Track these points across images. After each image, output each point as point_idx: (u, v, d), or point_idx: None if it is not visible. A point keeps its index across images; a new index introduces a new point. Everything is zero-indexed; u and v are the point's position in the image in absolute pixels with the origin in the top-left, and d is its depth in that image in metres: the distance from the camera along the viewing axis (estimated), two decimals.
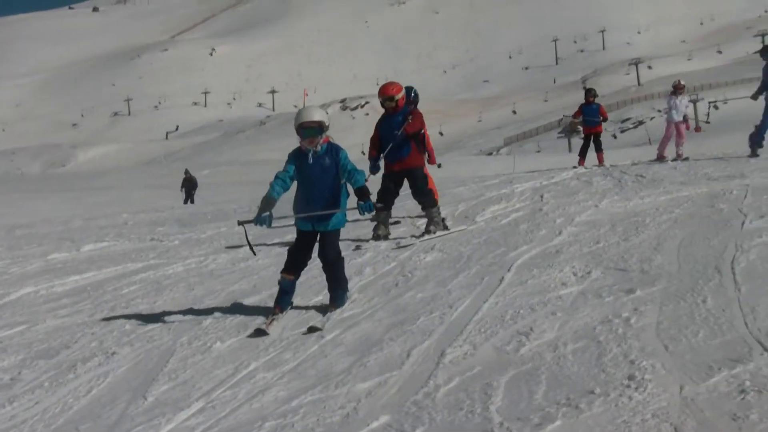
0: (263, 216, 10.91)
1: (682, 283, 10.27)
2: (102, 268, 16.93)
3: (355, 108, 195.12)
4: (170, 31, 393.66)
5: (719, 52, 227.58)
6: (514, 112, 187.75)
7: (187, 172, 51.99)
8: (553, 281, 11.25)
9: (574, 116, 30.28)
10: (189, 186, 50.40)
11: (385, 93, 15.55)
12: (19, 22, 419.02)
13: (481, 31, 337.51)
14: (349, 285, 12.44)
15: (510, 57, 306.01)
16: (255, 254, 12.75)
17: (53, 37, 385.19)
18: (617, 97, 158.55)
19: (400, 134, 15.31)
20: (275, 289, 11.94)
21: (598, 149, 28.26)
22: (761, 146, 23.32)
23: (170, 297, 13.47)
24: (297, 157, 11.10)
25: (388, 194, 15.59)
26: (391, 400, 7.79)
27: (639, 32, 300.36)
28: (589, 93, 28.93)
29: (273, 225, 11.23)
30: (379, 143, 15.74)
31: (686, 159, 25.93)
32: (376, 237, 15.62)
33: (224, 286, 13.78)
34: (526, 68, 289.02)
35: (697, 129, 29.31)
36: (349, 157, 11.21)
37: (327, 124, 11.05)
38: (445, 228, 15.73)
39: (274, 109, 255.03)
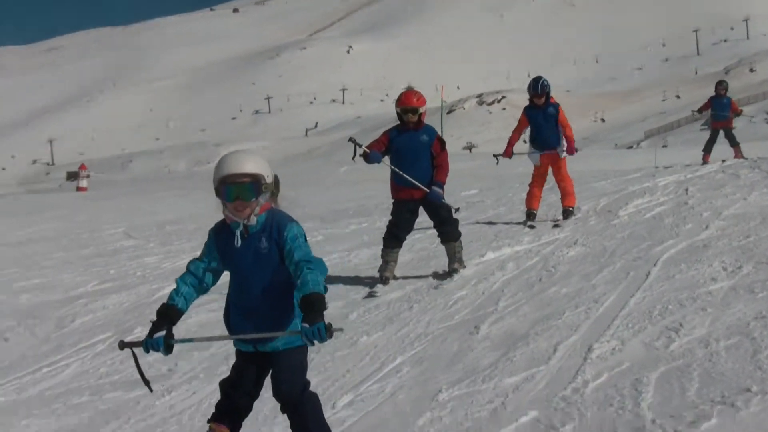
0: (156, 338, 6.61)
1: None
2: None
3: (492, 103, 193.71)
4: (308, 30, 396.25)
5: None
6: (664, 100, 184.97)
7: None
8: (702, 276, 11.03)
9: (700, 110, 29.25)
10: None
11: (408, 103, 12.47)
12: (162, 26, 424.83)
13: (619, 22, 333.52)
14: (493, 279, 12.43)
15: (648, 48, 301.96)
16: (151, 390, 7.36)
17: (195, 39, 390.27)
18: (764, 87, 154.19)
19: (423, 152, 12.56)
20: (420, 283, 12.12)
21: (733, 143, 27.20)
22: None
23: None
24: (219, 235, 6.88)
25: (402, 228, 12.78)
26: (539, 395, 7.76)
27: None
28: (720, 86, 27.88)
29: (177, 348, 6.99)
30: (387, 147, 12.85)
31: None
32: (383, 279, 12.64)
33: (367, 281, 13.68)
34: (666, 60, 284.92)
35: None
36: (302, 238, 6.80)
37: (269, 179, 6.68)
38: (462, 266, 12.99)
39: None
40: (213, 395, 8.74)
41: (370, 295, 11.95)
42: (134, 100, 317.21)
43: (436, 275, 13.16)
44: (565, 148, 16.70)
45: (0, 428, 8.70)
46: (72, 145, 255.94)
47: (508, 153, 17.41)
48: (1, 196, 75.43)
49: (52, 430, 8.62)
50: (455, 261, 12.81)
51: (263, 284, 6.78)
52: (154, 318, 6.80)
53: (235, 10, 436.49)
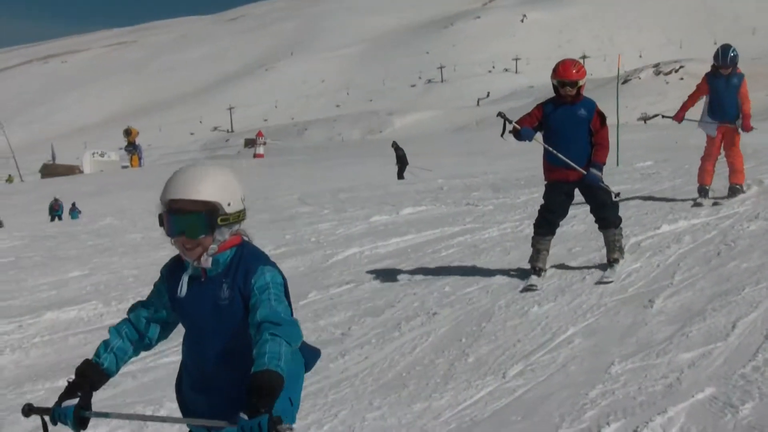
0: (64, 407, 4.73)
1: None
2: (421, 231, 17.12)
3: (669, 73, 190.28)
4: None
5: None
6: None
7: (396, 146, 46.77)
8: None
9: None
10: (401, 158, 45.49)
11: (566, 75, 10.62)
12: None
13: None
14: (669, 252, 12.20)
15: None
16: None
17: (371, 8, 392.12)
18: None
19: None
20: (592, 255, 12.00)
21: None
22: None
23: (487, 260, 13.48)
24: (172, 276, 4.92)
25: (556, 214, 11.11)
26: (717, 372, 7.58)
27: None
28: None
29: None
30: (540, 122, 11.05)
31: None
32: (537, 270, 11.11)
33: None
34: None
35: None
36: (276, 289, 4.74)
37: (230, 207, 4.68)
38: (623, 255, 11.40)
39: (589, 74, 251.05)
40: (385, 360, 8.85)
41: (527, 289, 10.61)
42: (312, 68, 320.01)
43: (595, 266, 11.76)
44: (741, 124, 15.69)
45: None
46: (251, 113, 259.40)
47: (679, 117, 16.42)
48: (183, 162, 76.88)
49: None
50: (615, 250, 11.09)
51: (222, 346, 4.88)
52: (71, 377, 4.88)
53: None
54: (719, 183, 16.25)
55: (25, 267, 18.65)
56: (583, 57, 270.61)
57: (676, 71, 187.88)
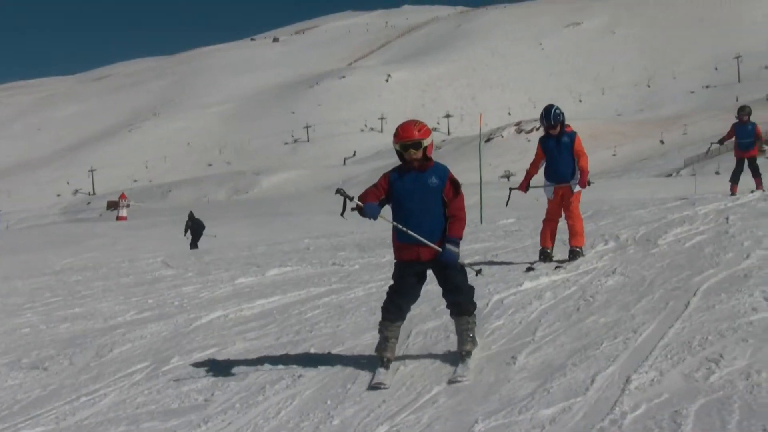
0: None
1: None
2: (287, 293, 17.08)
3: (530, 131, 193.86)
4: (347, 59, 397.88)
5: None
6: (685, 134, 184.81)
7: (191, 215, 45.60)
8: (742, 306, 10.87)
9: (722, 141, 27.67)
10: (195, 229, 44.20)
11: (406, 136, 9.30)
12: (204, 55, 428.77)
13: (661, 49, 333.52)
14: (530, 309, 12.38)
15: (690, 76, 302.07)
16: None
17: (236, 68, 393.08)
18: None
19: (432, 197, 9.38)
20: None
21: (755, 174, 25.91)
22: None
23: (353, 321, 13.51)
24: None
25: (407, 297, 9.72)
26: (577, 426, 7.72)
27: None
28: (742, 111, 26.34)
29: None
30: (387, 193, 9.62)
31: None
32: (384, 361, 9.63)
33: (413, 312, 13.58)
34: (707, 87, 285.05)
35: None
36: None
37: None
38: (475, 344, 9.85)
39: (449, 134, 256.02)
40: (249, 425, 8.82)
41: (374, 387, 9.06)
42: (179, 128, 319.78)
43: (446, 358, 10.27)
44: (578, 181, 15.88)
45: None
46: (115, 174, 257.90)
47: (523, 187, 16.55)
48: (43, 226, 76.11)
49: None
50: (467, 342, 9.54)
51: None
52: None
53: (275, 40, 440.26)
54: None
55: None
56: (447, 116, 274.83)
57: (537, 129, 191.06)
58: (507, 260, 17.15)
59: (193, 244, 41.73)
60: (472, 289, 9.40)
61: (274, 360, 11.40)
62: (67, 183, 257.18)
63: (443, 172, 9.34)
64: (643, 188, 34.42)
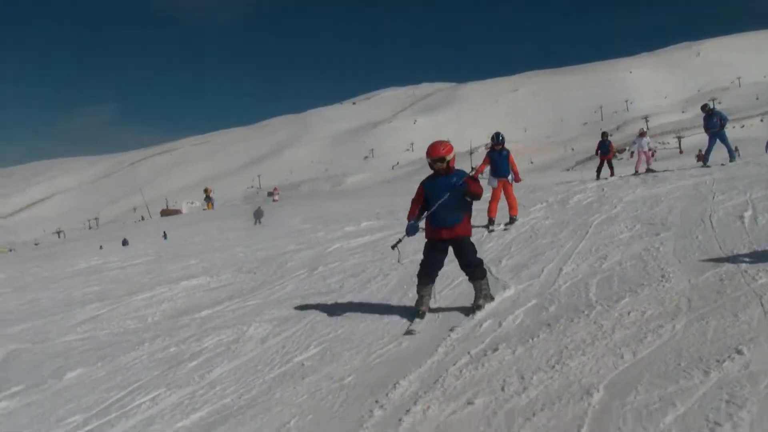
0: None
1: (685, 229, 10.13)
2: (373, 233, 16.92)
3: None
4: (393, 112, 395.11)
5: (683, 111, 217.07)
6: (573, 149, 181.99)
7: (259, 208, 40.84)
8: (615, 231, 11.00)
9: (596, 151, 26.32)
10: (258, 213, 39.22)
11: (435, 153, 7.91)
12: (318, 111, 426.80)
13: (558, 102, 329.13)
14: (506, 238, 12.36)
15: (575, 116, 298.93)
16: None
17: (334, 118, 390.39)
18: (632, 138, 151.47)
19: (461, 188, 7.68)
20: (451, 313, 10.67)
21: (611, 168, 25.54)
22: (707, 161, 22.22)
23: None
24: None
25: (433, 266, 7.99)
26: (537, 292, 7.89)
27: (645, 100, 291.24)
28: (604, 134, 26.52)
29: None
30: (423, 205, 8.06)
31: (653, 171, 23.43)
32: (420, 313, 7.81)
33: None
34: (585, 123, 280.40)
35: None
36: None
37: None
38: (491, 299, 7.95)
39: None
40: (366, 296, 8.96)
41: (407, 333, 7.26)
42: (304, 153, 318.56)
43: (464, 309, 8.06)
44: (512, 178, 14.88)
45: (256, 315, 8.98)
46: (271, 177, 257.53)
47: (479, 171, 14.53)
48: (234, 205, 76.14)
49: (283, 315, 8.72)
50: (480, 297, 7.88)
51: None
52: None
53: (354, 103, 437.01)
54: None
55: (163, 260, 18.70)
56: (447, 140, 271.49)
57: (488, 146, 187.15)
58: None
59: (257, 221, 37.35)
60: (480, 261, 7.89)
61: (374, 268, 11.37)
62: (251, 184, 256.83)
63: (462, 173, 7.84)
64: (554, 177, 33.93)
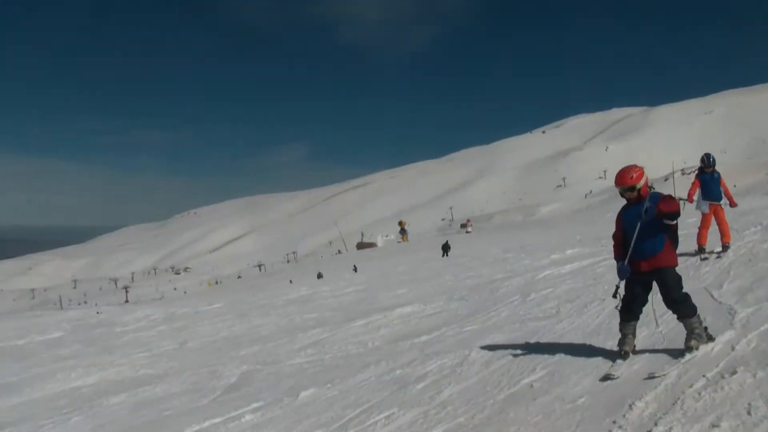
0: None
1: None
2: (581, 260, 16.41)
3: (689, 173, 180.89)
4: (583, 139, 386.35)
5: None
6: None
7: (446, 242, 38.40)
8: None
9: None
10: (446, 246, 36.63)
11: (623, 183, 7.02)
12: (509, 141, 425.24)
13: (756, 121, 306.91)
14: (724, 260, 11.72)
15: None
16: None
17: (519, 148, 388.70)
18: None
19: (648, 216, 6.76)
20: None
21: None
22: None
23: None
24: None
25: (635, 303, 7.03)
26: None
27: None
28: None
29: None
30: (623, 239, 7.19)
31: None
32: (623, 354, 7.00)
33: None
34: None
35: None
36: None
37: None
38: (710, 338, 6.86)
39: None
40: (581, 323, 8.90)
41: (606, 378, 6.43)
42: (493, 182, 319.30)
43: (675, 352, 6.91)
44: (726, 203, 14.02)
45: (476, 340, 9.20)
46: (463, 208, 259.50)
47: (691, 199, 14.20)
48: (429, 236, 77.21)
49: (503, 339, 8.86)
50: (693, 337, 6.74)
51: None
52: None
53: (543, 132, 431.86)
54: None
55: (372, 289, 19.40)
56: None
57: (693, 171, 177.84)
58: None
59: (445, 254, 35.38)
60: (687, 296, 6.83)
61: (588, 293, 11.25)
62: (444, 216, 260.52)
63: (655, 197, 6.89)
64: (760, 201, 31.33)
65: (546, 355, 7.61)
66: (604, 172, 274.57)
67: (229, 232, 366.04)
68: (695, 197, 14.18)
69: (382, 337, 10.79)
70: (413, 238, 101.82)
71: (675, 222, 6.93)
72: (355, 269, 34.09)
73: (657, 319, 7.82)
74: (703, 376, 5.81)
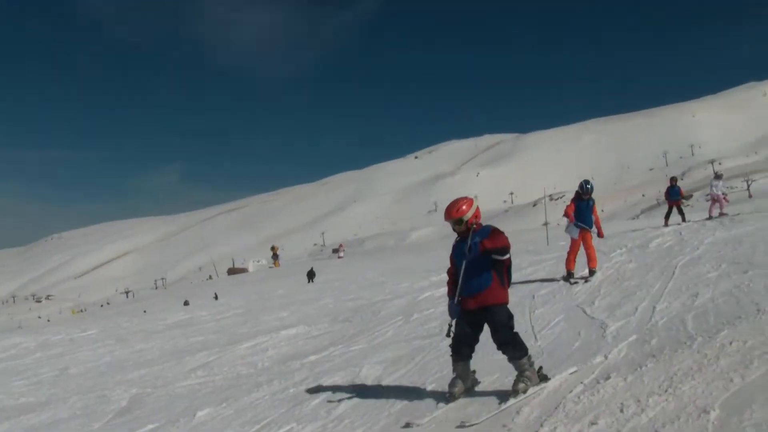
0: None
1: None
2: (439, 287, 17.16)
3: (557, 199, 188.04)
4: (456, 165, 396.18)
5: (755, 153, 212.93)
6: (643, 195, 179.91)
7: (311, 270, 37.07)
8: (702, 271, 11.23)
9: (665, 194, 25.82)
10: (311, 273, 35.70)
11: (450, 216, 6.67)
12: (381, 167, 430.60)
13: (622, 148, 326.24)
14: (594, 280, 12.59)
15: (639, 162, 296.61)
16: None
17: (397, 173, 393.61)
18: (703, 182, 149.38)
19: (472, 254, 6.45)
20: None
21: (681, 213, 24.82)
22: None
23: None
24: None
25: (463, 343, 6.59)
26: (636, 325, 8.29)
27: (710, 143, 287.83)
28: (673, 179, 25.96)
29: None
30: (456, 274, 6.73)
31: (726, 215, 23.18)
32: (450, 396, 6.57)
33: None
34: (651, 169, 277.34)
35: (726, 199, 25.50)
36: None
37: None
38: (544, 378, 6.54)
39: (512, 203, 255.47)
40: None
41: (407, 425, 6.11)
42: (368, 208, 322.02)
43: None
44: (594, 230, 13.98)
45: (364, 358, 9.48)
46: (335, 234, 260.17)
47: (572, 219, 14.01)
48: (300, 261, 76.68)
49: (392, 357, 9.21)
50: (521, 380, 6.37)
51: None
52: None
53: (416, 157, 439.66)
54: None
55: (253, 312, 19.34)
56: (511, 193, 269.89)
57: (562, 198, 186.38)
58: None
59: (310, 281, 34.09)
60: (515, 335, 6.49)
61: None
62: (316, 242, 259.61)
63: (485, 232, 6.52)
64: (621, 226, 33.35)
65: (434, 371, 8.01)
66: (476, 197, 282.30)
67: (97, 257, 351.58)
68: (566, 222, 14.35)
69: (271, 358, 10.91)
70: (285, 263, 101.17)
71: (507, 257, 6.51)
72: (216, 297, 33.12)
73: (536, 335, 8.43)
74: (581, 382, 6.34)
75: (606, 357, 7.14)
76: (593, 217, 13.89)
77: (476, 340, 6.64)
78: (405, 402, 6.91)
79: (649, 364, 6.51)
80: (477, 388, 6.79)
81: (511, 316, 6.53)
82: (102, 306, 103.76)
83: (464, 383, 6.65)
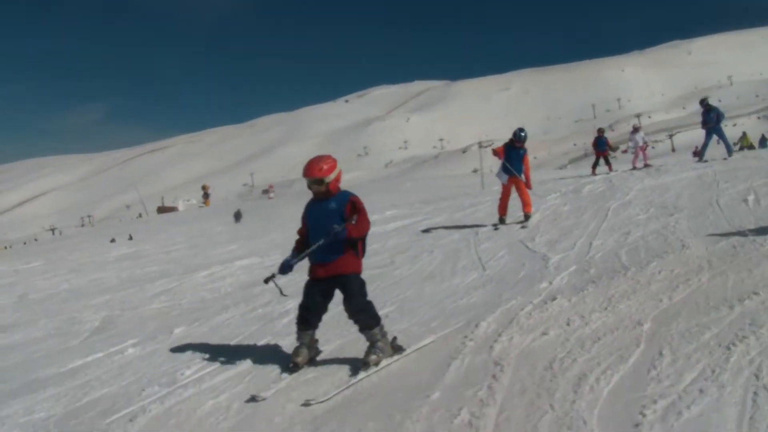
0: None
1: (696, 211, 11.39)
2: (400, 219, 17.50)
3: (487, 146, 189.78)
4: (386, 110, 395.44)
5: (683, 108, 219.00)
6: (575, 144, 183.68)
7: (238, 211, 37.27)
8: (632, 213, 12.17)
9: (593, 144, 26.56)
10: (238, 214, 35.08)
11: (311, 174, 6.17)
12: (311, 109, 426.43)
13: (550, 100, 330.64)
14: (533, 220, 13.24)
15: (567, 114, 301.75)
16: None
17: (327, 115, 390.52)
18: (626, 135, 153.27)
19: (338, 237, 5.93)
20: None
21: (608, 164, 25.61)
22: (703, 156, 22.78)
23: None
24: None
25: (311, 311, 6.32)
26: (574, 260, 9.16)
27: (640, 98, 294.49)
28: (600, 131, 26.78)
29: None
30: (306, 236, 6.38)
31: (650, 165, 23.92)
32: (291, 366, 6.21)
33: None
34: (577, 121, 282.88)
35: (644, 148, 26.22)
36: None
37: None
38: (398, 350, 6.26)
39: (443, 148, 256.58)
40: (420, 268, 10.16)
41: (252, 399, 5.58)
42: (293, 152, 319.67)
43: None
44: (523, 179, 13.93)
45: None
46: (266, 175, 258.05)
47: (501, 155, 14.09)
48: (231, 202, 76.05)
49: None
50: (372, 351, 6.08)
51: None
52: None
53: (347, 101, 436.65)
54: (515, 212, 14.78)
55: (201, 246, 19.58)
56: (440, 139, 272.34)
57: (491, 145, 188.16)
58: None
59: (237, 221, 33.82)
60: (369, 305, 6.25)
61: (416, 246, 12.38)
62: (246, 182, 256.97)
63: (344, 197, 6.20)
64: (549, 175, 34.20)
65: (394, 294, 8.76)
66: (405, 142, 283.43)
67: (19, 195, 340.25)
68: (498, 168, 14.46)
69: (231, 285, 11.40)
70: (216, 202, 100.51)
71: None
72: (131, 237, 30.97)
73: (483, 265, 9.24)
74: (531, 302, 7.19)
75: (551, 283, 8.01)
76: (523, 166, 13.89)
77: (325, 309, 6.41)
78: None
79: (590, 288, 7.40)
80: (319, 358, 6.47)
81: (363, 284, 6.28)
82: (25, 243, 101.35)
83: (309, 352, 6.38)
